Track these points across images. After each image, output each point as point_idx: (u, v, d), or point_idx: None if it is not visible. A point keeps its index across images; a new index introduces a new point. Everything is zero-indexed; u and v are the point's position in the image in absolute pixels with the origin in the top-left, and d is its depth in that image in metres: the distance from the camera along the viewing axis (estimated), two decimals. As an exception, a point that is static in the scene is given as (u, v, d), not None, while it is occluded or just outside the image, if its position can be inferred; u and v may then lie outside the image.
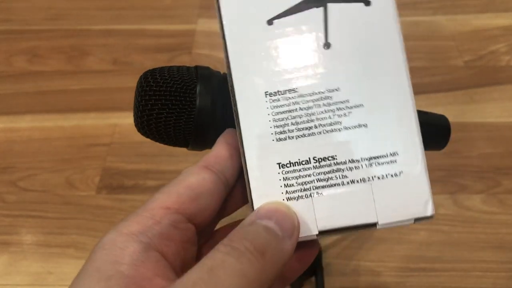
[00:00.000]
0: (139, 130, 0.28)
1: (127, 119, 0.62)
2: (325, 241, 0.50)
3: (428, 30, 0.72)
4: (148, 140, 0.29)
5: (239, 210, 0.26)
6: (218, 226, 0.26)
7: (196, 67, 0.28)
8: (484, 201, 0.54)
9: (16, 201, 0.56)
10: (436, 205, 0.59)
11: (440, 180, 0.56)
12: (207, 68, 0.28)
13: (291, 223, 0.21)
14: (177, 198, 0.22)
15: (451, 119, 0.32)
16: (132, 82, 0.29)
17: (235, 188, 0.25)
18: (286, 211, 0.21)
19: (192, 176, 0.23)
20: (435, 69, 0.67)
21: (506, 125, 0.61)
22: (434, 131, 0.32)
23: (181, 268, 0.22)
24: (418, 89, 0.66)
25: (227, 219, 0.26)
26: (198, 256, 0.24)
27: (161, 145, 0.29)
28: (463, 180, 0.56)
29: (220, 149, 0.24)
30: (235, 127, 0.24)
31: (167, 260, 0.21)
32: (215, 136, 0.27)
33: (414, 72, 0.71)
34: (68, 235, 0.52)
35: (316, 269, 0.46)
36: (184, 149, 0.29)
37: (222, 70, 0.30)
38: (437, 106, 0.62)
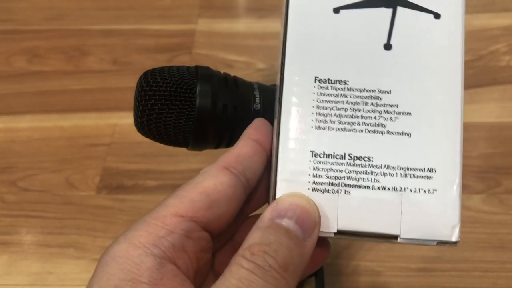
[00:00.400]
0: (139, 130, 0.28)
1: (127, 119, 0.62)
2: (325, 241, 0.50)
3: (428, 30, 0.72)
4: (148, 140, 0.29)
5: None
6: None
7: (196, 67, 0.28)
8: (485, 201, 0.54)
9: (16, 201, 0.56)
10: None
11: (440, 180, 0.56)
12: (207, 68, 0.28)
13: (312, 221, 0.20)
14: (191, 205, 0.21)
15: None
16: (132, 82, 0.29)
17: (258, 189, 0.24)
18: (308, 208, 0.20)
19: (209, 179, 0.21)
20: (435, 69, 0.67)
21: (507, 125, 0.60)
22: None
23: (194, 277, 0.21)
24: (418, 89, 0.66)
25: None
26: (213, 260, 0.23)
27: (161, 145, 0.29)
28: (463, 180, 0.55)
29: (243, 147, 0.23)
30: (234, 128, 0.24)
31: (182, 272, 0.20)
32: (214, 136, 0.27)
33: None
34: (68, 235, 0.52)
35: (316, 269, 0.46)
36: (184, 149, 0.29)
37: (222, 70, 0.30)
38: (437, 106, 0.62)
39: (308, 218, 0.20)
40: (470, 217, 0.53)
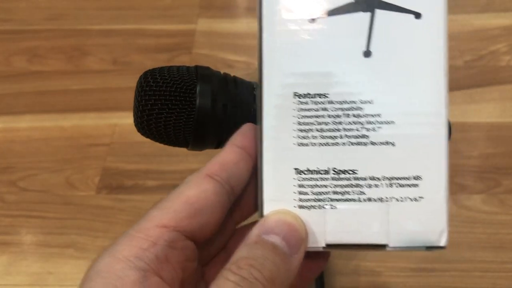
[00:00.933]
0: (139, 130, 0.28)
1: (127, 119, 0.62)
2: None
3: (428, 30, 0.72)
4: (148, 140, 0.29)
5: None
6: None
7: (196, 67, 0.28)
8: (485, 201, 0.54)
9: (16, 201, 0.56)
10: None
11: (440, 180, 0.56)
12: (207, 68, 0.28)
13: (299, 237, 0.20)
14: (174, 215, 0.21)
15: (451, 119, 0.32)
16: (132, 82, 0.29)
17: (244, 196, 0.24)
18: (295, 224, 0.20)
19: (192, 188, 0.21)
20: (435, 69, 0.67)
21: (507, 125, 0.60)
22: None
23: (180, 287, 0.21)
24: (418, 89, 0.66)
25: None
26: (205, 271, 0.23)
27: (161, 145, 0.29)
28: (463, 180, 0.56)
29: (227, 154, 0.23)
30: (234, 128, 0.24)
31: (167, 283, 0.20)
32: (214, 136, 0.27)
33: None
34: (67, 235, 0.52)
35: (316, 269, 0.46)
36: (184, 149, 0.29)
37: (222, 70, 0.30)
38: (437, 106, 0.62)
39: (295, 235, 0.20)
40: (470, 217, 0.53)
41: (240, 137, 0.23)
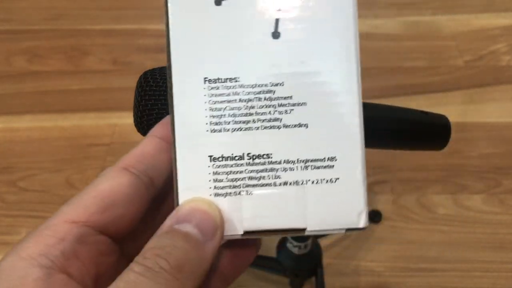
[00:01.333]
0: (139, 130, 0.28)
1: (127, 119, 0.62)
2: (325, 241, 0.50)
3: (428, 30, 0.72)
4: (148, 140, 0.29)
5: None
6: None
7: (196, 67, 0.28)
8: (485, 201, 0.54)
9: (16, 201, 0.56)
10: (436, 205, 0.59)
11: (440, 180, 0.56)
12: (207, 68, 0.28)
13: (213, 223, 0.20)
14: (84, 209, 0.20)
15: (451, 119, 0.32)
16: (132, 82, 0.29)
17: (172, 188, 0.23)
18: (208, 210, 0.20)
19: (105, 182, 0.21)
20: (435, 69, 0.67)
21: (507, 125, 0.60)
22: (434, 131, 0.32)
23: (95, 283, 0.20)
24: (419, 89, 0.66)
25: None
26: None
27: (161, 145, 0.29)
28: (463, 180, 0.56)
29: (145, 145, 0.22)
30: None
31: (76, 280, 0.19)
32: (215, 136, 0.27)
33: (414, 72, 0.71)
34: (68, 235, 0.52)
35: (316, 269, 0.46)
36: (184, 149, 0.29)
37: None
38: (438, 106, 0.62)
39: (208, 221, 0.20)
40: (470, 217, 0.53)
41: (160, 127, 0.23)
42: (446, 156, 0.57)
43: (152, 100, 0.27)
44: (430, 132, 0.32)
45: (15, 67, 0.70)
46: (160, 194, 0.23)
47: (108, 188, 0.21)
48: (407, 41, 0.71)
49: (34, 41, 0.72)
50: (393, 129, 0.30)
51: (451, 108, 0.62)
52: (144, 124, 0.27)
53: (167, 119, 0.23)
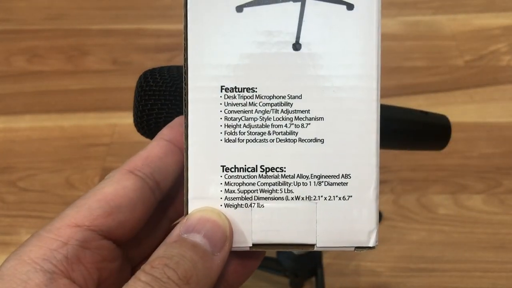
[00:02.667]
0: (138, 130, 0.28)
1: (126, 119, 0.62)
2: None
3: (429, 30, 0.72)
4: (147, 140, 0.29)
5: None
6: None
7: (196, 67, 0.28)
8: (485, 201, 0.54)
9: (16, 201, 0.56)
10: (436, 205, 0.59)
11: (440, 180, 0.56)
12: (207, 68, 0.28)
13: (222, 235, 0.19)
14: (88, 213, 0.19)
15: (451, 119, 0.32)
16: (131, 82, 0.29)
17: (179, 193, 0.23)
18: (218, 221, 0.19)
19: (110, 185, 0.20)
20: (435, 69, 0.67)
21: (507, 125, 0.60)
22: (434, 131, 0.32)
23: None
24: (419, 89, 0.66)
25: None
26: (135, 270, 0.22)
27: (161, 145, 0.29)
28: (463, 180, 0.56)
29: (152, 148, 0.22)
30: None
31: (79, 286, 0.19)
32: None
33: (414, 72, 0.71)
34: (67, 235, 0.52)
35: (316, 269, 0.46)
36: (183, 149, 0.29)
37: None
38: (438, 106, 0.62)
39: (218, 232, 0.19)
40: (470, 217, 0.53)
41: (168, 130, 0.22)
42: (446, 156, 0.56)
43: (152, 100, 0.27)
44: (430, 132, 0.32)
45: (15, 67, 0.70)
46: (166, 198, 0.22)
47: (113, 191, 0.20)
48: (407, 40, 0.71)
49: (34, 41, 0.72)
50: (393, 129, 0.30)
51: (451, 108, 0.62)
52: (144, 124, 0.27)
53: (175, 122, 0.22)
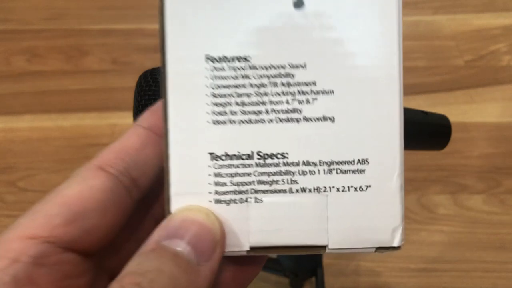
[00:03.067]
0: (138, 130, 0.28)
1: (126, 119, 0.62)
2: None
3: (429, 30, 0.72)
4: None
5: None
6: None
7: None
8: (485, 201, 0.54)
9: (16, 201, 0.55)
10: (436, 205, 0.59)
11: (441, 180, 0.56)
12: (207, 68, 0.28)
13: (211, 240, 0.16)
14: (45, 221, 0.16)
15: (451, 119, 0.32)
16: (131, 81, 0.29)
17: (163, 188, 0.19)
18: (206, 222, 0.16)
19: (74, 185, 0.17)
20: (435, 69, 0.67)
21: (507, 125, 0.60)
22: (435, 131, 0.32)
23: None
24: (419, 89, 0.66)
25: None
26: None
27: (161, 145, 0.29)
28: (464, 180, 0.56)
29: (128, 138, 0.18)
30: None
31: None
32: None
33: (414, 72, 0.71)
34: (67, 236, 0.52)
35: (316, 269, 0.46)
36: (183, 149, 0.29)
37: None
38: (438, 106, 0.62)
39: (206, 237, 0.16)
40: (470, 217, 0.53)
41: (149, 114, 0.18)
42: (447, 156, 0.56)
43: (152, 100, 0.27)
44: (430, 132, 0.32)
45: (15, 67, 0.69)
46: (148, 195, 0.19)
47: (77, 193, 0.17)
48: (407, 40, 0.71)
49: (34, 41, 0.72)
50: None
51: (451, 108, 0.62)
52: (143, 124, 0.27)
53: (157, 105, 0.19)
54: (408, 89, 0.67)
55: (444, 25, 0.72)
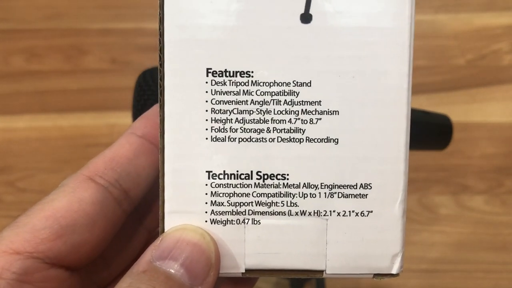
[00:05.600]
0: (137, 131, 0.28)
1: (126, 119, 0.62)
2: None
3: (430, 29, 0.72)
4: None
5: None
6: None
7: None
8: (487, 201, 0.54)
9: (14, 202, 0.55)
10: (438, 206, 0.59)
11: (442, 180, 0.55)
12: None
13: (205, 262, 0.15)
14: (31, 235, 0.15)
15: (453, 118, 0.31)
16: (131, 81, 0.28)
17: (157, 198, 0.18)
18: (201, 243, 0.15)
19: (62, 197, 0.17)
20: (436, 69, 0.67)
21: (509, 125, 0.60)
22: (436, 131, 0.32)
23: None
24: (420, 89, 0.66)
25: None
26: None
27: (160, 145, 0.28)
28: (465, 181, 0.55)
29: (120, 146, 0.17)
30: None
31: None
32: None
33: (415, 71, 0.71)
34: (66, 236, 0.52)
35: (317, 271, 0.46)
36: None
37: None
38: (439, 105, 0.62)
39: (200, 259, 0.15)
40: (472, 218, 0.53)
41: (143, 122, 0.18)
42: (448, 156, 0.56)
43: (151, 99, 0.26)
44: (431, 132, 0.31)
45: (13, 67, 0.69)
46: (141, 205, 0.18)
47: (66, 205, 0.16)
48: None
49: (32, 40, 0.72)
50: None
51: (452, 107, 0.62)
52: (142, 124, 0.27)
53: (153, 111, 0.18)
54: (409, 89, 0.67)
55: (445, 24, 0.72)
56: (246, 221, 0.17)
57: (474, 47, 0.67)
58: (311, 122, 0.16)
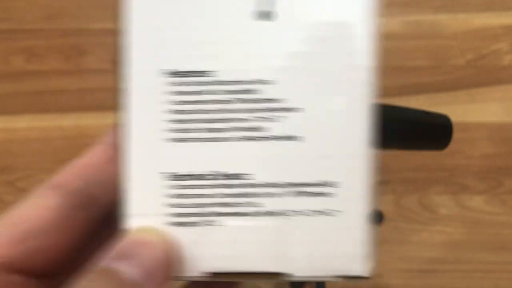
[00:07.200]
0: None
1: (126, 119, 0.62)
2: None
3: (429, 29, 0.72)
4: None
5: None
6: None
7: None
8: (487, 201, 0.54)
9: (14, 202, 0.55)
10: (438, 206, 0.59)
11: (442, 180, 0.55)
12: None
13: (164, 264, 0.15)
14: None
15: (453, 118, 0.31)
16: (129, 81, 0.28)
17: None
18: (158, 244, 0.15)
19: (26, 205, 0.17)
20: (436, 69, 0.66)
21: (509, 125, 0.60)
22: (436, 131, 0.32)
23: None
24: (420, 89, 0.66)
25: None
26: None
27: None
28: (465, 181, 0.55)
29: (91, 156, 0.18)
30: None
31: None
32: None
33: (415, 71, 0.71)
34: (66, 236, 0.52)
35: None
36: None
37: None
38: (439, 105, 0.62)
39: (158, 260, 0.15)
40: (471, 218, 0.52)
41: (115, 131, 0.18)
42: (448, 156, 0.56)
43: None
44: (431, 132, 0.31)
45: (13, 67, 0.69)
46: (113, 212, 0.18)
47: (26, 212, 0.17)
48: (408, 40, 0.71)
49: (32, 40, 0.72)
50: (394, 129, 0.30)
51: (452, 107, 0.62)
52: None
53: None
54: (409, 89, 0.66)
55: (445, 24, 0.72)
56: (209, 222, 0.16)
57: (474, 47, 0.67)
58: (275, 120, 0.16)
